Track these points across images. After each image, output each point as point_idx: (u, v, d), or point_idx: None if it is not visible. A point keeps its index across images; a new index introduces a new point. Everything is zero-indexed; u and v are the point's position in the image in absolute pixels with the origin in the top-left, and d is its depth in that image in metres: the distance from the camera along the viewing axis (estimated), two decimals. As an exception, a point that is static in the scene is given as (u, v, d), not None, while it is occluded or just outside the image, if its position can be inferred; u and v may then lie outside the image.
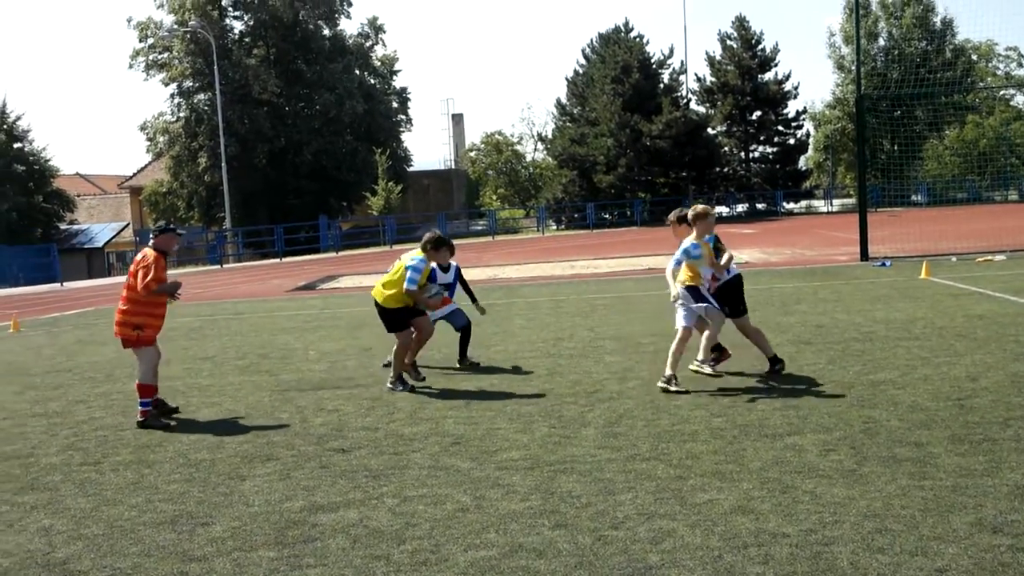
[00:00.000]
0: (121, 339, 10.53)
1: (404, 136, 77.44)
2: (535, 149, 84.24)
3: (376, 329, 13.34)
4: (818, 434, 8.35)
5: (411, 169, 77.75)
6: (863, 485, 6.94)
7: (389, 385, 11.43)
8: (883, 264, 23.57)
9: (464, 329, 12.76)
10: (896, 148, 56.59)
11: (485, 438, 8.84)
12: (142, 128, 70.29)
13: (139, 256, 10.62)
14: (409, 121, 79.57)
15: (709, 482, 7.19)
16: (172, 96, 68.76)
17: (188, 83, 68.14)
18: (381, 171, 60.71)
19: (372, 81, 75.56)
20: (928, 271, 20.63)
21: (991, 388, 9.73)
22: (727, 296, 11.20)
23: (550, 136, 72.07)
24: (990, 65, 77.83)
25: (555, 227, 60.51)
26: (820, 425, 8.64)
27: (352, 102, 66.95)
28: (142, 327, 10.32)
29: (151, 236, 10.79)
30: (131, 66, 69.89)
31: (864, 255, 25.24)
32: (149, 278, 10.17)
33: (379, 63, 77.65)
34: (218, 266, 45.88)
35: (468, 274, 14.43)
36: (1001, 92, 72.96)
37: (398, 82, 77.68)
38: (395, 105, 77.61)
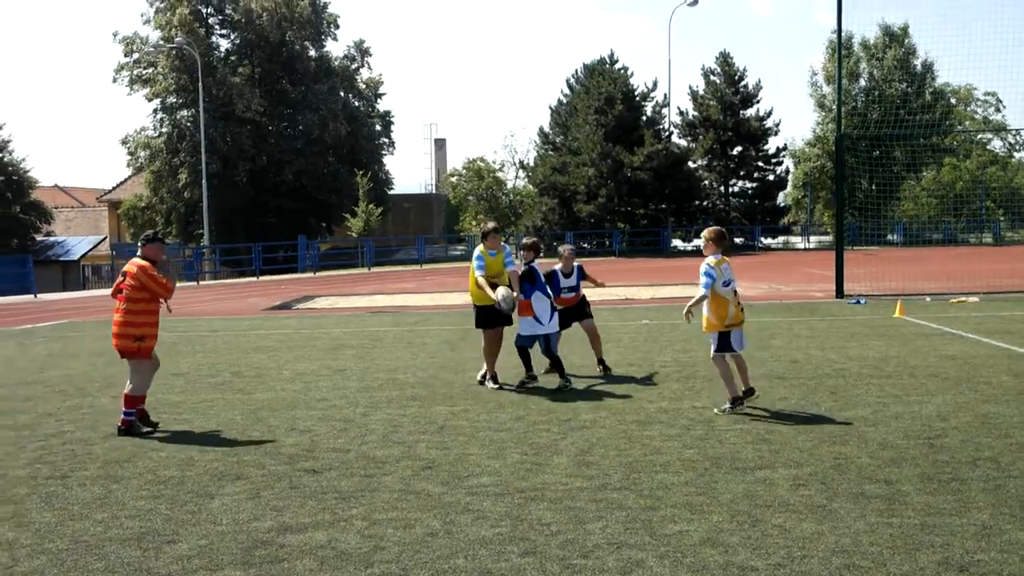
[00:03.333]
0: (119, 350, 10.57)
1: (386, 159, 77.36)
2: (516, 176, 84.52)
3: (352, 351, 13.31)
4: (789, 468, 8.37)
5: (392, 192, 77.75)
6: (832, 521, 6.96)
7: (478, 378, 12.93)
8: (858, 302, 23.72)
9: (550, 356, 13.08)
10: (874, 187, 57.01)
11: (457, 463, 8.82)
12: (123, 142, 70.01)
13: (129, 267, 10.60)
14: (392, 144, 79.63)
15: (679, 513, 7.19)
16: (155, 111, 68.60)
17: (172, 99, 67.99)
18: (362, 193, 60.71)
19: (356, 103, 75.62)
20: (902, 310, 20.77)
21: (961, 428, 9.79)
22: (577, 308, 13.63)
23: (532, 164, 72.29)
24: (968, 109, 78.83)
25: (534, 255, 60.59)
26: (791, 460, 8.67)
27: (335, 124, 66.98)
28: (143, 338, 10.45)
29: (139, 245, 10.79)
30: (115, 80, 69.72)
31: (840, 292, 25.39)
32: (165, 282, 10.47)
33: (364, 86, 77.74)
34: (195, 283, 45.66)
35: (446, 299, 14.41)
36: (978, 136, 73.81)
37: (382, 105, 77.75)
38: (378, 128, 77.66)
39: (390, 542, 6.70)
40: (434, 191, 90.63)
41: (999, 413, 10.45)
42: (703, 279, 10.84)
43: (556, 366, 12.70)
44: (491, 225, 13.03)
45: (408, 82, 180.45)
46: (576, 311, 13.77)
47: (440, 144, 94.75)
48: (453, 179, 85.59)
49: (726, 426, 10.09)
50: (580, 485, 7.99)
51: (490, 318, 12.78)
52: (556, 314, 12.93)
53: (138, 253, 10.67)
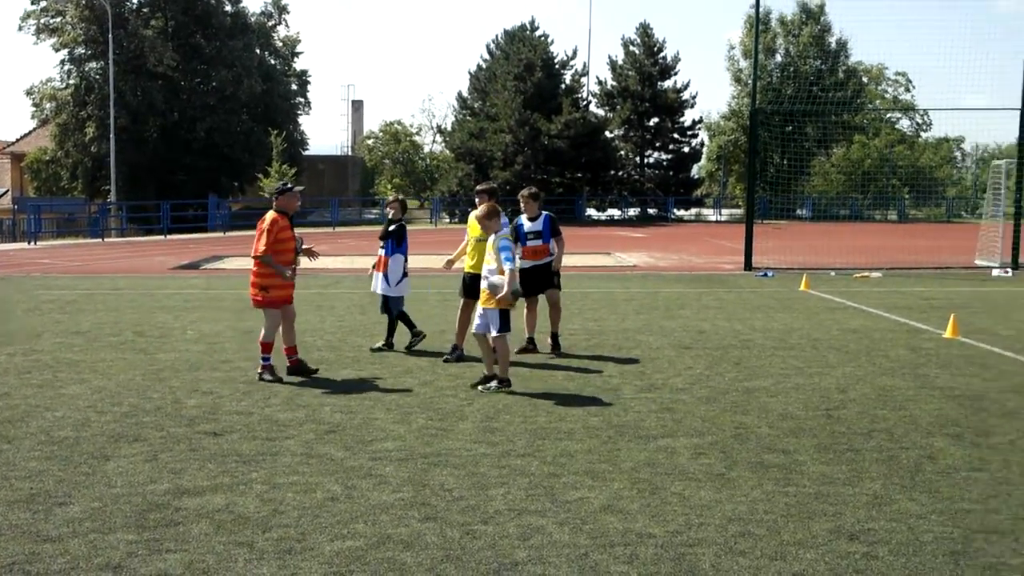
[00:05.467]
0: (251, 299, 11.26)
1: (301, 119, 76.35)
2: (434, 141, 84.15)
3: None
4: (691, 438, 8.48)
5: (307, 153, 76.75)
6: (730, 489, 7.07)
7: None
8: (765, 275, 24.11)
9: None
10: (785, 162, 57.87)
11: (361, 427, 8.75)
12: (28, 93, 67.75)
13: (263, 220, 11.09)
14: (308, 104, 78.64)
15: (581, 480, 7.23)
16: (62, 62, 66.44)
17: (80, 50, 65.91)
18: (276, 153, 59.73)
19: (272, 61, 74.36)
20: (808, 284, 21.16)
21: (858, 400, 10.01)
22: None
23: (449, 129, 71.89)
24: (879, 88, 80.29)
25: (448, 220, 60.35)
26: (693, 429, 8.78)
27: (250, 81, 65.73)
28: (267, 288, 10.98)
29: (273, 198, 11.30)
30: (20, 28, 67.34)
31: (748, 265, 25.78)
32: (260, 244, 10.88)
33: (281, 43, 76.47)
34: (100, 240, 44.56)
35: (355, 263, 14.24)
36: (888, 115, 75.30)
37: (299, 64, 76.71)
38: (294, 87, 76.55)
39: (289, 506, 6.62)
40: (350, 153, 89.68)
41: (895, 386, 10.71)
42: (507, 254, 10.25)
43: (391, 328, 12.87)
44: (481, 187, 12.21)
45: (326, 42, 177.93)
46: (544, 278, 12.65)
47: (357, 106, 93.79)
48: (369, 142, 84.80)
49: (631, 395, 10.17)
50: (484, 451, 7.99)
51: (476, 289, 12.49)
52: (406, 280, 12.86)
53: (274, 205, 11.19)
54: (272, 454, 7.89)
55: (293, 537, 6.06)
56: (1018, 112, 27.08)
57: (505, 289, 10.07)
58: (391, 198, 13.46)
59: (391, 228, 12.79)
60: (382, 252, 12.88)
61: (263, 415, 9.23)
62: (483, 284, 10.36)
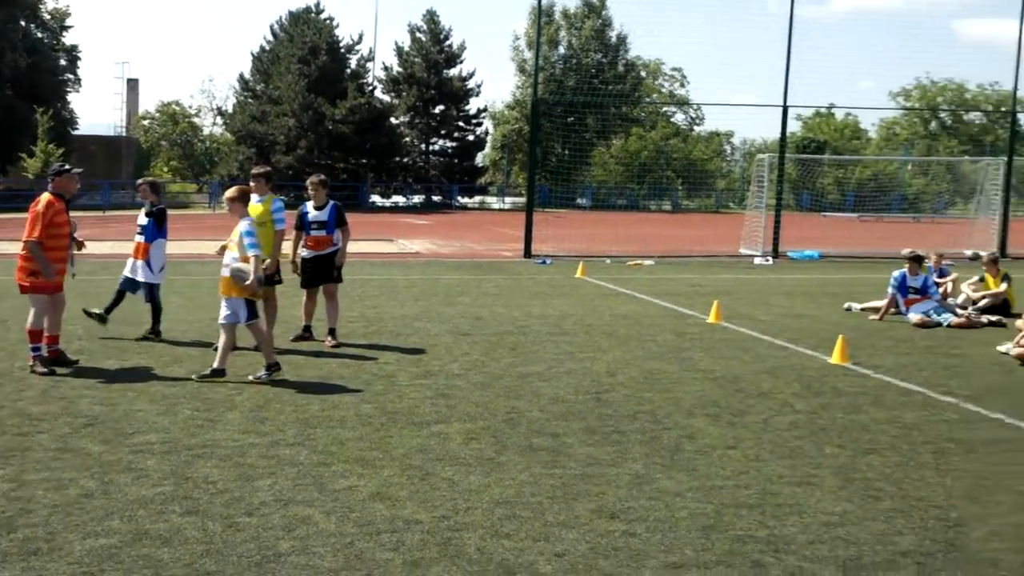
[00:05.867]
0: (18, 284, 10.60)
1: (71, 96, 72.35)
2: (213, 123, 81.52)
3: (15, 299, 12.39)
4: (464, 423, 8.55)
5: (77, 132, 72.78)
6: (499, 473, 7.17)
7: None
8: (544, 262, 24.62)
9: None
10: (567, 152, 59.22)
11: (122, 420, 8.38)
12: None
13: (37, 203, 10.39)
14: (78, 81, 74.44)
15: (351, 469, 7.17)
16: None
17: None
18: (41, 131, 56.47)
19: (39, 34, 70.09)
20: (584, 271, 21.74)
21: (626, 383, 10.36)
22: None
23: (230, 111, 69.86)
24: (656, 82, 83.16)
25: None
26: (467, 414, 8.86)
27: (14, 55, 61.72)
28: (36, 273, 10.30)
29: (49, 179, 10.65)
30: None
31: (528, 252, 26.25)
32: (35, 230, 10.17)
33: (48, 16, 72.16)
34: None
35: (125, 248, 13.61)
36: (664, 108, 78.12)
37: (68, 38, 72.51)
38: (63, 63, 72.42)
39: (39, 504, 6.27)
40: (124, 134, 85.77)
41: (661, 369, 11.14)
42: (251, 240, 9.99)
43: (156, 316, 12.60)
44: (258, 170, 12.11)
45: (99, 16, 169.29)
46: (325, 269, 12.22)
47: (133, 85, 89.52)
48: (145, 122, 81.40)
49: (407, 381, 10.17)
50: (252, 441, 7.80)
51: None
52: (164, 270, 12.55)
53: (48, 186, 10.57)
54: (22, 449, 7.45)
55: (41, 537, 5.74)
56: (780, 109, 28.67)
57: (251, 278, 9.81)
58: (139, 182, 12.96)
59: (151, 212, 12.34)
60: (140, 238, 12.38)
61: (14, 408, 8.70)
62: (225, 272, 10.03)
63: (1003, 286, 16.68)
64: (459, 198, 64.88)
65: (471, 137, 68.50)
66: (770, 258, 27.29)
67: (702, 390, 10.12)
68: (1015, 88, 31.95)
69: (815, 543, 5.94)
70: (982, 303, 16.39)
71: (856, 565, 5.63)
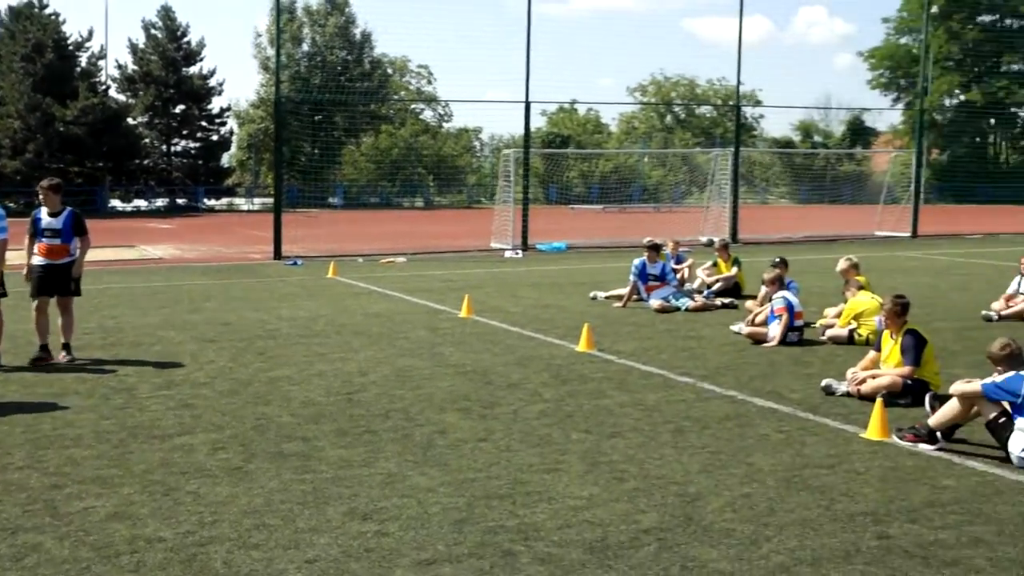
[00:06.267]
0: None
1: None
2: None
3: None
4: (209, 433, 8.27)
5: None
6: (248, 482, 6.97)
7: None
8: (295, 263, 24.19)
9: None
10: (316, 151, 58.50)
11: None
12: None
13: None
14: None
15: (87, 489, 6.79)
16: None
17: None
18: None
19: None
20: (336, 271, 21.50)
21: (378, 382, 10.31)
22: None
23: (-53, 113, 64.81)
24: (404, 79, 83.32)
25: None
26: (213, 424, 8.57)
27: None
28: None
29: None
30: None
31: (278, 254, 25.72)
32: None
33: None
34: None
35: None
36: (412, 105, 78.37)
37: None
38: None
39: None
40: None
41: (413, 366, 11.16)
42: None
43: None
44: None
45: None
46: (61, 281, 11.47)
47: None
48: None
49: (148, 393, 9.73)
50: (-25, 468, 7.25)
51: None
52: None
53: None
54: None
55: None
56: (523, 105, 29.32)
57: None
58: None
59: None
60: None
61: None
62: None
63: (734, 270, 17.72)
64: (205, 200, 62.89)
65: (215, 137, 66.45)
66: (520, 251, 27.89)
67: (453, 385, 10.20)
68: (738, 83, 34.04)
69: (563, 528, 6.09)
70: (716, 287, 17.34)
71: (602, 546, 5.81)
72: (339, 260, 23.93)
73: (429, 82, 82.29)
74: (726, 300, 16.52)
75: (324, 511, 6.39)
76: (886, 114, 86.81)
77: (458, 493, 6.74)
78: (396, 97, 77.79)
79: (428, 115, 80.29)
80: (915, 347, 9.38)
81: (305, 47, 72.71)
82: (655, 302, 15.77)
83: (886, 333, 9.80)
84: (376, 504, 6.52)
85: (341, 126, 63.55)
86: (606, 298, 16.98)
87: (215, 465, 7.37)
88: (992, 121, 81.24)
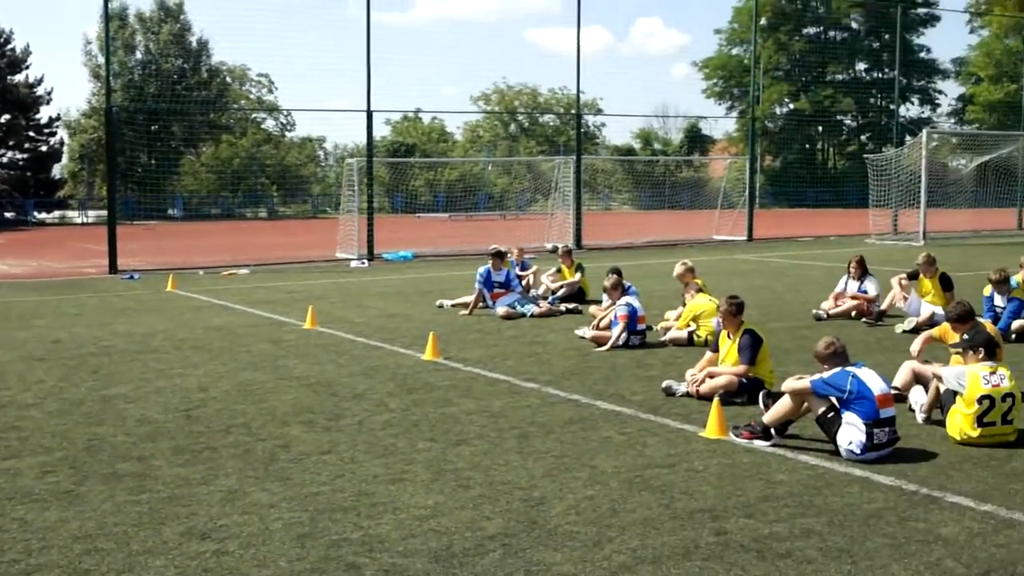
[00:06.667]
0: None
1: None
2: None
3: None
4: (38, 456, 7.90)
5: None
6: (79, 506, 6.68)
7: None
8: (131, 277, 23.39)
9: None
10: (153, 161, 56.80)
11: None
12: None
13: None
14: None
15: (-99, 521, 6.39)
16: None
17: None
18: None
19: None
20: (175, 284, 20.88)
21: (219, 397, 10.05)
22: None
23: None
24: (244, 88, 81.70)
25: None
26: (42, 446, 8.20)
27: None
28: None
29: None
30: None
31: (113, 268, 24.83)
32: None
33: None
34: None
35: None
36: (253, 115, 76.92)
37: None
38: None
39: None
40: None
41: (256, 380, 10.92)
42: None
43: None
44: None
45: None
46: None
47: None
48: None
49: (-29, 416, 9.24)
50: None
51: None
52: None
53: None
54: None
55: None
56: (365, 114, 29.12)
57: None
58: None
59: None
60: None
61: None
62: None
63: (577, 276, 17.98)
64: (36, 214, 60.34)
65: (45, 148, 63.84)
66: (365, 261, 27.67)
67: (297, 397, 10.03)
68: (578, 92, 34.60)
69: (408, 538, 6.05)
70: (560, 292, 17.56)
71: (447, 554, 5.79)
72: (179, 273, 23.26)
73: (270, 91, 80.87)
74: (570, 305, 16.73)
75: (160, 532, 6.18)
76: (721, 122, 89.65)
77: (301, 508, 6.61)
78: (236, 106, 76.23)
79: (270, 124, 78.87)
80: (751, 346, 9.69)
81: (139, 55, 70.53)
82: (501, 309, 15.86)
83: (723, 333, 10.09)
84: (215, 522, 6.34)
85: (179, 136, 61.96)
86: (452, 306, 17.00)
87: (44, 489, 7.04)
88: (820, 128, 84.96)
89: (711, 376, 9.84)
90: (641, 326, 13.10)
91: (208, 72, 71.80)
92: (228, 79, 76.99)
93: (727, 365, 9.86)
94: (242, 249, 30.72)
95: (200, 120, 65.03)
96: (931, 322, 13.51)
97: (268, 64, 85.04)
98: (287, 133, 78.61)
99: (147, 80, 66.29)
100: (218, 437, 8.47)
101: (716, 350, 10.14)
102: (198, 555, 5.80)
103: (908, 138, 38.79)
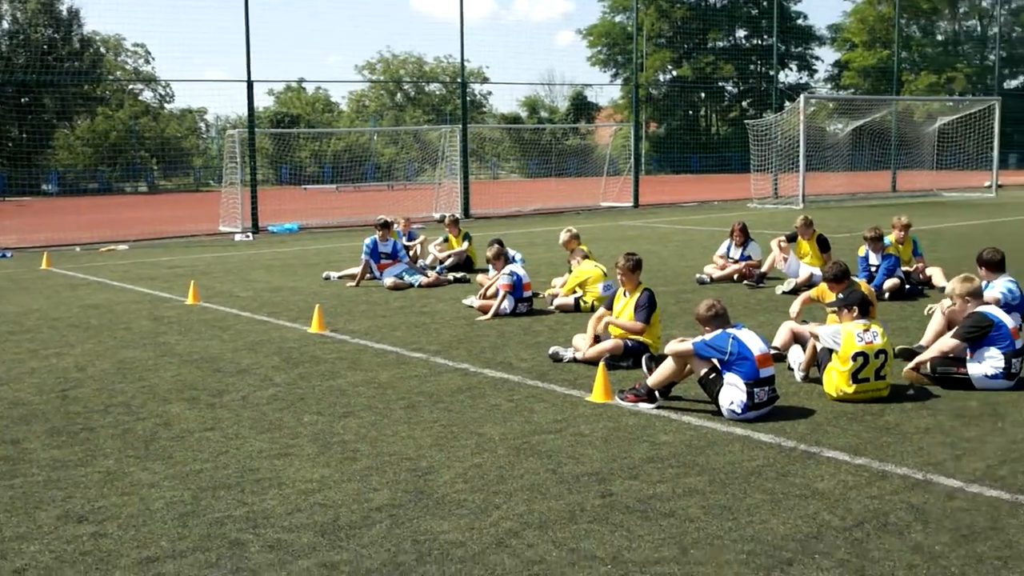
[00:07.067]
0: None
1: None
2: None
3: None
4: (-97, 443, 7.57)
5: None
6: (-53, 493, 6.43)
7: None
8: (3, 255, 22.55)
9: None
10: (24, 136, 54.69)
11: None
12: None
13: None
14: None
15: None
16: None
17: None
18: None
19: None
20: (50, 262, 20.20)
21: (97, 377, 9.77)
22: None
23: None
24: (119, 59, 79.21)
25: None
26: (-93, 433, 7.85)
27: None
28: None
29: None
30: None
31: (-15, 246, 23.94)
32: None
33: None
34: None
35: None
36: (130, 86, 74.66)
37: None
38: None
39: None
40: None
41: (136, 358, 10.65)
42: None
43: None
44: None
45: None
46: None
47: None
48: None
49: None
50: None
51: None
52: None
53: None
54: None
55: None
56: (245, 84, 28.50)
57: None
58: None
59: None
60: None
61: None
62: None
63: (465, 245, 17.95)
64: (-103, 192, 57.64)
65: None
66: (250, 234, 27.17)
67: (179, 374, 9.81)
68: (463, 60, 34.46)
69: (294, 513, 5.97)
70: (448, 262, 17.51)
71: (333, 527, 5.74)
72: (54, 250, 22.53)
73: (147, 61, 78.64)
74: (458, 275, 16.71)
75: (35, 516, 5.98)
76: (606, 89, 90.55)
77: (183, 486, 6.47)
78: (111, 77, 73.85)
79: (148, 96, 76.68)
80: (648, 306, 9.74)
81: (5, 24, 67.83)
82: (388, 280, 15.75)
83: (620, 291, 10.10)
84: (93, 504, 6.17)
85: (52, 108, 59.78)
86: (339, 278, 16.82)
87: (-91, 478, 6.76)
88: (702, 95, 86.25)
89: (609, 325, 9.85)
90: (527, 293, 13.15)
91: (80, 42, 69.38)
92: (103, 49, 74.58)
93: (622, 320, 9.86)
94: (121, 224, 29.84)
95: (73, 92, 62.77)
96: (810, 283, 13.88)
97: (144, 34, 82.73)
98: (166, 105, 76.58)
99: (15, 51, 63.75)
100: (96, 417, 8.24)
101: (610, 308, 10.14)
102: (75, 538, 5.63)
103: (787, 104, 39.68)
